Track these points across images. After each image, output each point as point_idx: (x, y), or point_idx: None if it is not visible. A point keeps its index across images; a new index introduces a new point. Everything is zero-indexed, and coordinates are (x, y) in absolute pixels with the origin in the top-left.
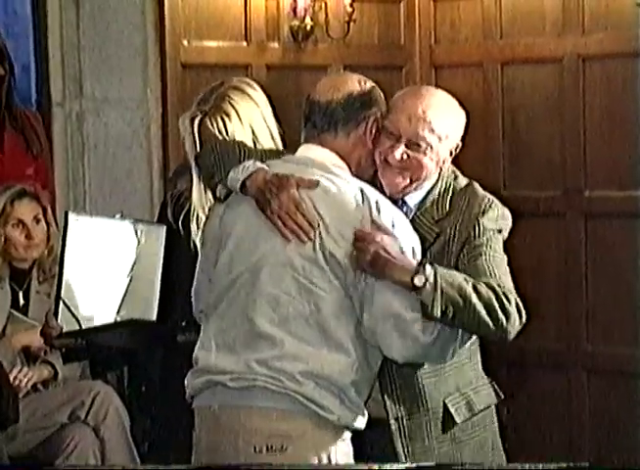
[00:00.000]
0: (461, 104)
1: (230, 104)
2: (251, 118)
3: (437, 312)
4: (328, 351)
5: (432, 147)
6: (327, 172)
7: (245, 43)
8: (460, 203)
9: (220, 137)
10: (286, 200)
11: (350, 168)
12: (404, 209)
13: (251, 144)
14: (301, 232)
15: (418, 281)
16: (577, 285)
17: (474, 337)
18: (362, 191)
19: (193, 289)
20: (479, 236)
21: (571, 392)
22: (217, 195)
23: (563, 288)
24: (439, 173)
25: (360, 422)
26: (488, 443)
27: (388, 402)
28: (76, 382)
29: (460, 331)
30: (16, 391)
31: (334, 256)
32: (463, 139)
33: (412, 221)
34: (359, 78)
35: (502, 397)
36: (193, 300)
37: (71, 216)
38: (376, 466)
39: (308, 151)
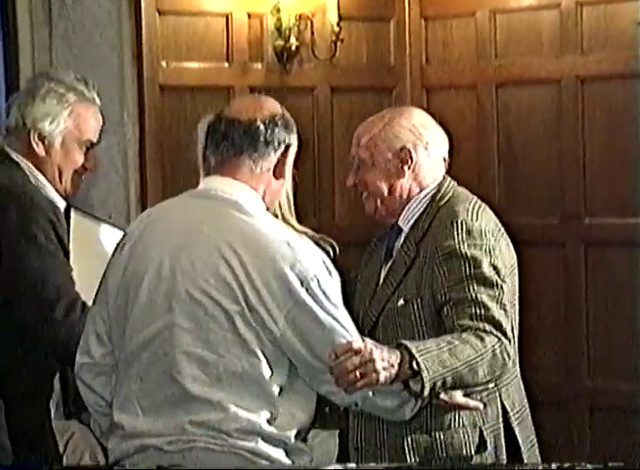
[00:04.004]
0: (453, 126)
1: None
2: None
3: (425, 394)
4: (267, 407)
5: (365, 161)
6: (244, 214)
7: (226, 64)
8: (437, 222)
9: None
10: None
11: (264, 199)
12: (401, 234)
13: None
14: None
15: (414, 385)
16: (577, 317)
17: None
18: (288, 242)
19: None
20: (443, 266)
21: (572, 429)
22: None
23: (562, 320)
24: (426, 194)
25: (306, 461)
26: None
27: (350, 433)
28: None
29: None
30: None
31: (258, 309)
32: (453, 164)
33: (401, 247)
34: (278, 103)
35: (487, 448)
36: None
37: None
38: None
39: (214, 183)
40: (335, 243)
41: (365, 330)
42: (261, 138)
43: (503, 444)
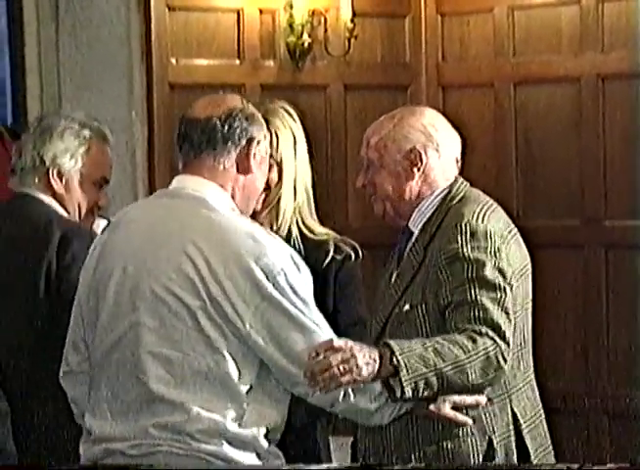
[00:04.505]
0: (470, 126)
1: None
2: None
3: (408, 394)
4: (233, 406)
5: (374, 162)
6: (211, 211)
7: (238, 61)
8: (444, 225)
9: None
10: None
11: (234, 199)
12: (412, 237)
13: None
14: None
15: (392, 382)
16: (597, 321)
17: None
18: (253, 236)
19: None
20: (446, 269)
21: (591, 437)
22: None
23: (581, 324)
24: (436, 195)
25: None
26: None
27: (358, 443)
28: None
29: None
30: None
31: (221, 303)
32: (469, 165)
33: (409, 250)
34: (241, 98)
35: (495, 457)
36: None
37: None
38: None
39: (184, 182)
40: (357, 245)
41: (373, 335)
42: (218, 135)
43: (514, 451)
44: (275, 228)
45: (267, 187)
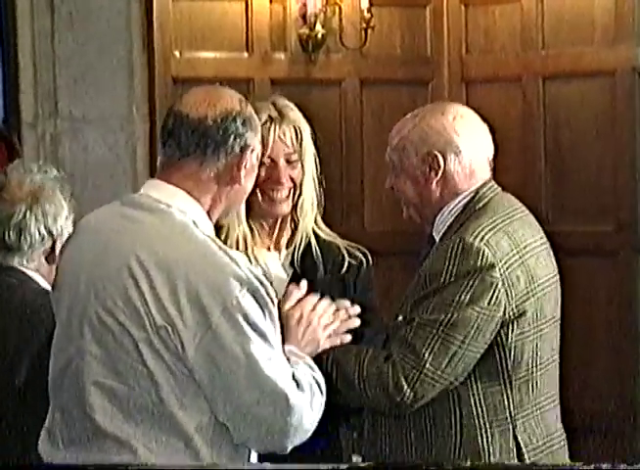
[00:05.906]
0: (495, 123)
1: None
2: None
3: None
4: (181, 448)
5: (395, 165)
6: (169, 227)
7: (246, 54)
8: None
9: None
10: None
11: (210, 214)
12: (433, 247)
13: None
14: None
15: None
16: (632, 335)
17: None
18: (207, 259)
19: None
20: (426, 285)
21: (628, 459)
22: None
23: (615, 339)
24: (459, 201)
25: None
26: None
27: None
28: None
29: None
30: None
31: (167, 336)
32: (498, 165)
33: (426, 259)
34: (240, 97)
35: None
36: None
37: None
38: None
39: (154, 189)
40: (367, 252)
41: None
42: (210, 139)
43: None
44: (298, 228)
45: (294, 186)
